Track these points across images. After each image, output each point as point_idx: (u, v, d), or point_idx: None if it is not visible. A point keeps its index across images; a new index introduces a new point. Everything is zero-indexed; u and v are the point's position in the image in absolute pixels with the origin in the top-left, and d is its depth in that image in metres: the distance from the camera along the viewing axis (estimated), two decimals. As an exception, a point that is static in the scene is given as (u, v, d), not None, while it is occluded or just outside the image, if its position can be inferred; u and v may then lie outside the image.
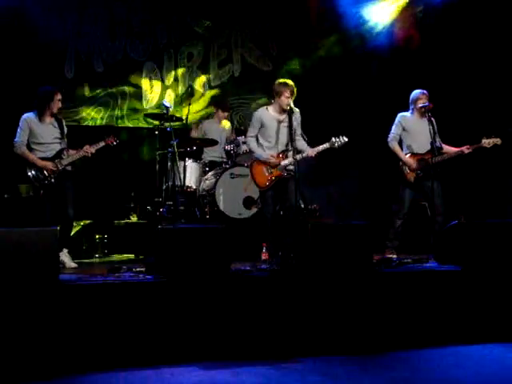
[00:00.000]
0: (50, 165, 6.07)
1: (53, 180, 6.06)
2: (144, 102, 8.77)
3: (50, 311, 4.36)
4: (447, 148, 6.51)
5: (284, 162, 6.02)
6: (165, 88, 8.83)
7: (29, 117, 6.15)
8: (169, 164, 7.47)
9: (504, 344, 5.04)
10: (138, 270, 5.13)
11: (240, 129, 8.46)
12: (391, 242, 6.55)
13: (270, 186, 6.10)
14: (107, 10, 8.51)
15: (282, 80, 6.12)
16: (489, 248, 5.48)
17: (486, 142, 6.35)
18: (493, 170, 8.01)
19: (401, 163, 6.57)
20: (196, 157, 7.81)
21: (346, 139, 5.99)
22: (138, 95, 8.73)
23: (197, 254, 4.83)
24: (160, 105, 8.18)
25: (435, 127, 6.37)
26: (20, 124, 6.14)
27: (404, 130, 6.60)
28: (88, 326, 4.42)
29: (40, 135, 6.13)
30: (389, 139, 6.64)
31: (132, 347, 4.49)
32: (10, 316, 4.26)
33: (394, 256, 6.29)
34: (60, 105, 6.20)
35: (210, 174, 7.58)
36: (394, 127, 6.66)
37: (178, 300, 4.65)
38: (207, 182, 7.51)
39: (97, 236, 7.38)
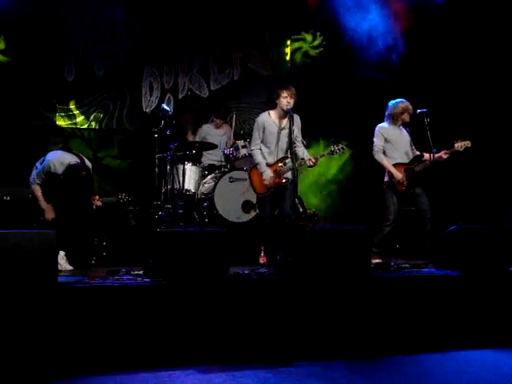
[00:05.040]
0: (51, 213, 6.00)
1: None
2: (144, 106, 8.78)
3: (48, 313, 4.35)
4: (426, 155, 6.47)
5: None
6: (164, 92, 8.85)
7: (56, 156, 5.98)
8: (168, 167, 7.48)
9: (503, 349, 5.05)
10: (136, 272, 5.12)
11: (239, 133, 8.47)
12: (378, 248, 6.46)
13: (268, 193, 6.13)
14: (108, 13, 8.51)
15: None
16: (487, 253, 5.49)
17: (459, 146, 6.37)
18: (491, 175, 8.02)
19: (390, 174, 6.53)
20: (195, 160, 7.81)
21: (345, 148, 6.08)
22: (138, 99, 8.74)
23: (195, 258, 4.82)
24: (160, 108, 8.20)
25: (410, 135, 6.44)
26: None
27: (386, 140, 6.55)
28: (86, 328, 4.41)
29: None
30: (374, 152, 6.56)
31: (130, 350, 4.48)
32: (7, 318, 4.26)
33: (379, 261, 6.27)
34: None
35: (208, 177, 7.59)
36: (376, 139, 6.58)
37: (176, 303, 4.64)
38: (206, 185, 7.51)
39: (95, 239, 7.36)
